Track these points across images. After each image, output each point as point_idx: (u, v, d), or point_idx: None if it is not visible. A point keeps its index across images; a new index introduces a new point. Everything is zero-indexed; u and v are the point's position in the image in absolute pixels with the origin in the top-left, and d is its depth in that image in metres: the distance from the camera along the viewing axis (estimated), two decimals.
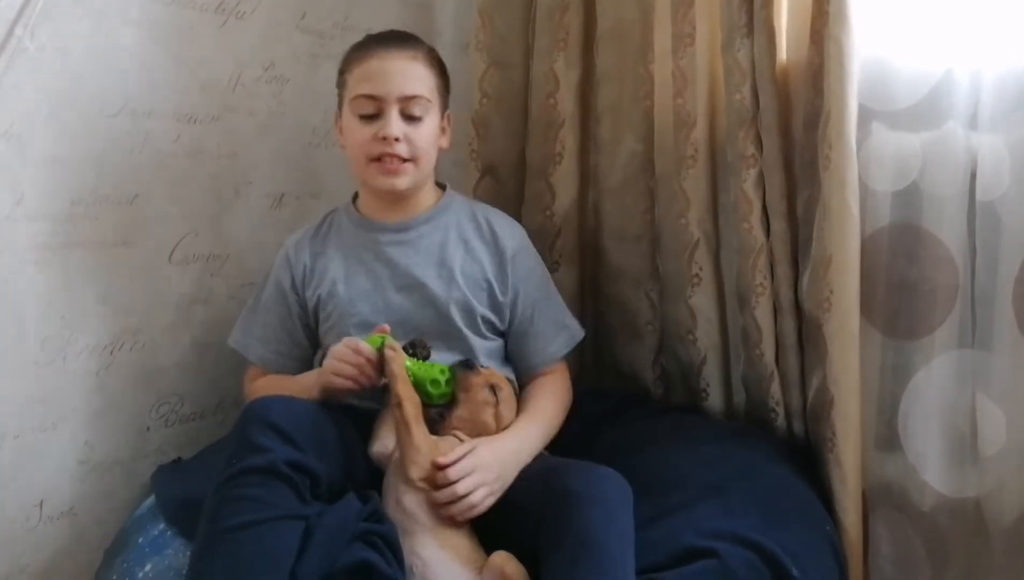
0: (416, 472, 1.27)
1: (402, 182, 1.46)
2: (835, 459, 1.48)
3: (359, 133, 1.45)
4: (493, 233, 1.53)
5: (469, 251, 1.51)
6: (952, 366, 1.49)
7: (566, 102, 1.76)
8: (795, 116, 1.58)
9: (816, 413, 1.54)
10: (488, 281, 1.50)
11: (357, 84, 1.45)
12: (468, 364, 1.38)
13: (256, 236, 1.75)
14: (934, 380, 1.50)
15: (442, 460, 1.27)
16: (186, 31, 1.60)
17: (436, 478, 1.26)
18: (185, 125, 1.62)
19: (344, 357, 1.34)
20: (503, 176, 1.84)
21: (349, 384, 1.35)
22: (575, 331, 1.59)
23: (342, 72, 1.50)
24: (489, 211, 1.59)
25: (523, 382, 1.53)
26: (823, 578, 1.32)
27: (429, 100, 1.46)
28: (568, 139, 1.77)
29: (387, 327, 1.37)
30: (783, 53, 1.58)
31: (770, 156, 1.55)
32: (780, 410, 1.60)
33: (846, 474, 1.47)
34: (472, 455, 1.29)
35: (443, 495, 1.25)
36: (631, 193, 1.74)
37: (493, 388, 1.38)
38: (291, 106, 1.79)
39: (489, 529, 1.29)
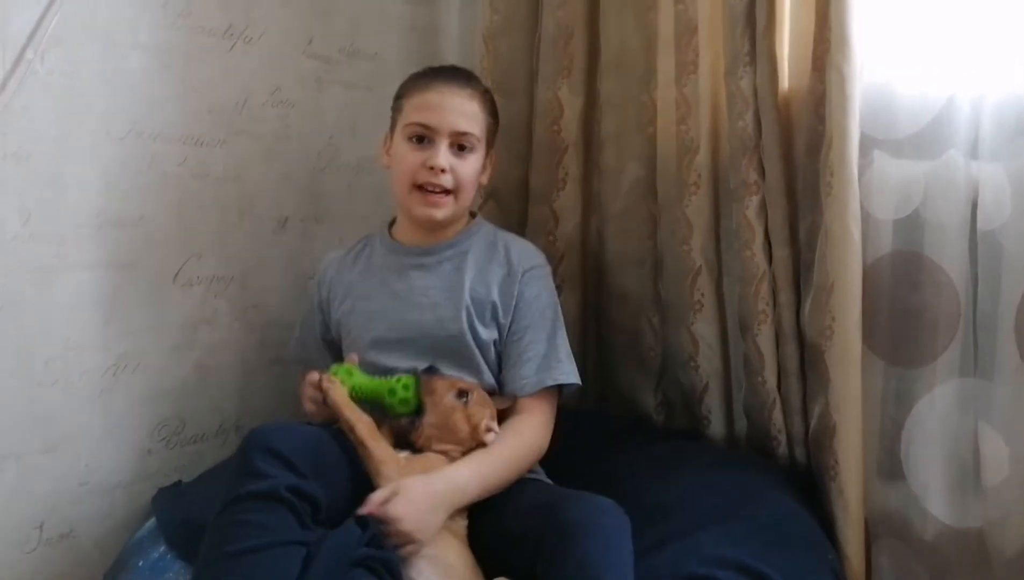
0: (386, 484, 1.27)
1: (440, 213, 1.50)
2: (837, 487, 1.48)
3: (408, 158, 1.49)
4: (508, 256, 1.54)
5: (480, 274, 1.52)
6: (954, 394, 1.49)
7: (570, 128, 1.77)
8: (797, 143, 1.59)
9: (818, 440, 1.53)
10: (493, 302, 1.50)
11: (413, 112, 1.50)
12: (431, 370, 1.40)
13: (260, 259, 1.76)
14: (936, 408, 1.50)
15: (359, 512, 1.25)
16: (194, 55, 1.62)
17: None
18: (191, 148, 1.63)
19: (303, 390, 1.44)
20: (506, 201, 1.85)
21: (315, 413, 1.42)
22: (566, 373, 1.49)
23: (399, 97, 1.54)
24: (511, 238, 1.60)
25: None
26: None
27: (479, 138, 1.51)
28: (572, 165, 1.78)
29: (354, 357, 1.44)
30: (785, 81, 1.59)
31: (772, 183, 1.55)
32: (782, 437, 1.59)
33: (848, 502, 1.47)
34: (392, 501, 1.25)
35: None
36: (634, 219, 1.75)
37: (462, 392, 1.38)
38: (296, 130, 1.80)
39: (488, 558, 1.29)
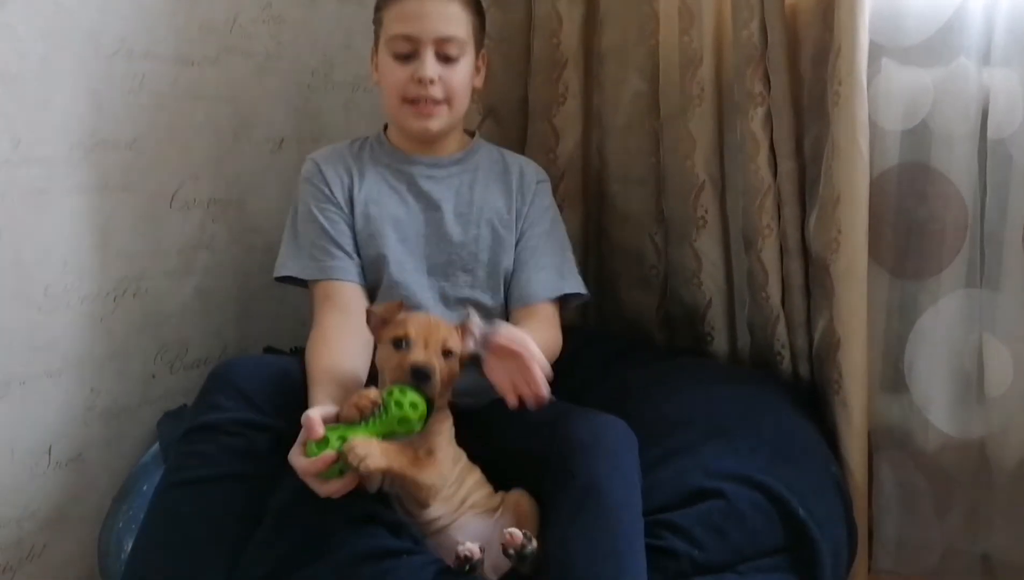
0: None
1: (435, 124, 1.46)
2: (841, 400, 1.49)
3: (395, 73, 1.44)
4: (520, 168, 1.54)
5: (497, 189, 1.51)
6: (959, 306, 1.49)
7: (569, 41, 1.73)
8: (804, 52, 1.55)
9: (822, 355, 1.53)
10: (513, 213, 1.50)
11: (393, 24, 1.44)
12: (421, 375, 1.17)
13: (257, 180, 1.73)
14: (941, 320, 1.50)
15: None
16: None
17: None
18: (183, 67, 1.59)
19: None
20: (505, 118, 1.82)
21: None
22: (574, 283, 1.51)
23: (379, 9, 1.49)
24: (517, 156, 1.60)
25: (510, 314, 1.48)
26: (828, 518, 1.33)
27: (465, 41, 1.45)
28: (571, 79, 1.74)
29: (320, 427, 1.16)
30: None
31: (778, 94, 1.52)
32: (786, 352, 1.60)
33: (852, 415, 1.48)
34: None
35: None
36: (636, 134, 1.72)
37: (446, 352, 1.21)
38: (289, 48, 1.75)
39: (493, 475, 1.29)
